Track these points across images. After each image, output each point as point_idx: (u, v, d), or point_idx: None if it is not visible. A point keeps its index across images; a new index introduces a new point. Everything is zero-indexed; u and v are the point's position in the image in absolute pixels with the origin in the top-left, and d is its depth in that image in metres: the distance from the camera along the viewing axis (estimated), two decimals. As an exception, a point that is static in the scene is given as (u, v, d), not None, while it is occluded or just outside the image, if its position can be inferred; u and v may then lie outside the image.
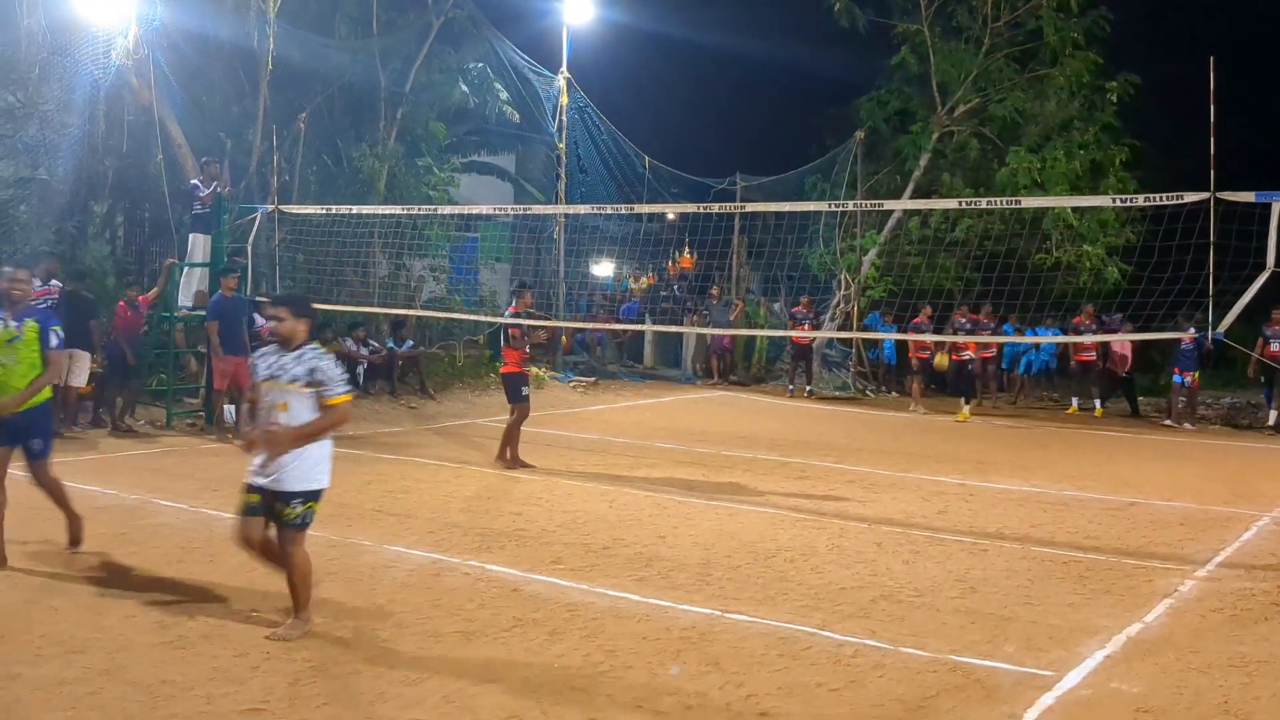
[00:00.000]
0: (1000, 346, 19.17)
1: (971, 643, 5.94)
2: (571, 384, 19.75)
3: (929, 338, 17.51)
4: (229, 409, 12.97)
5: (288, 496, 5.66)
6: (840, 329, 20.54)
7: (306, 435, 5.67)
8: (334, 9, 18.20)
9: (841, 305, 21.00)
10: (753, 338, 22.38)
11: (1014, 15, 20.03)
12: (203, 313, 13.30)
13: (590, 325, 23.10)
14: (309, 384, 5.69)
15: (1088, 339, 17.80)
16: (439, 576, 6.98)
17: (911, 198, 20.17)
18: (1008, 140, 20.35)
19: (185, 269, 14.03)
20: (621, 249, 26.54)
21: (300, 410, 5.68)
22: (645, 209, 19.83)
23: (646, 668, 5.41)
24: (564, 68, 21.43)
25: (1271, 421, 16.28)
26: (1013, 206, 17.07)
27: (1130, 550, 8.36)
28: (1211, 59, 8.90)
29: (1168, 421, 16.88)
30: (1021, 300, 15.34)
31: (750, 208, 21.23)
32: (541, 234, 22.05)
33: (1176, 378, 16.87)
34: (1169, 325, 13.13)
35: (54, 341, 7.03)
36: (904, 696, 5.12)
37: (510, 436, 11.43)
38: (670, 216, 24.73)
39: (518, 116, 21.21)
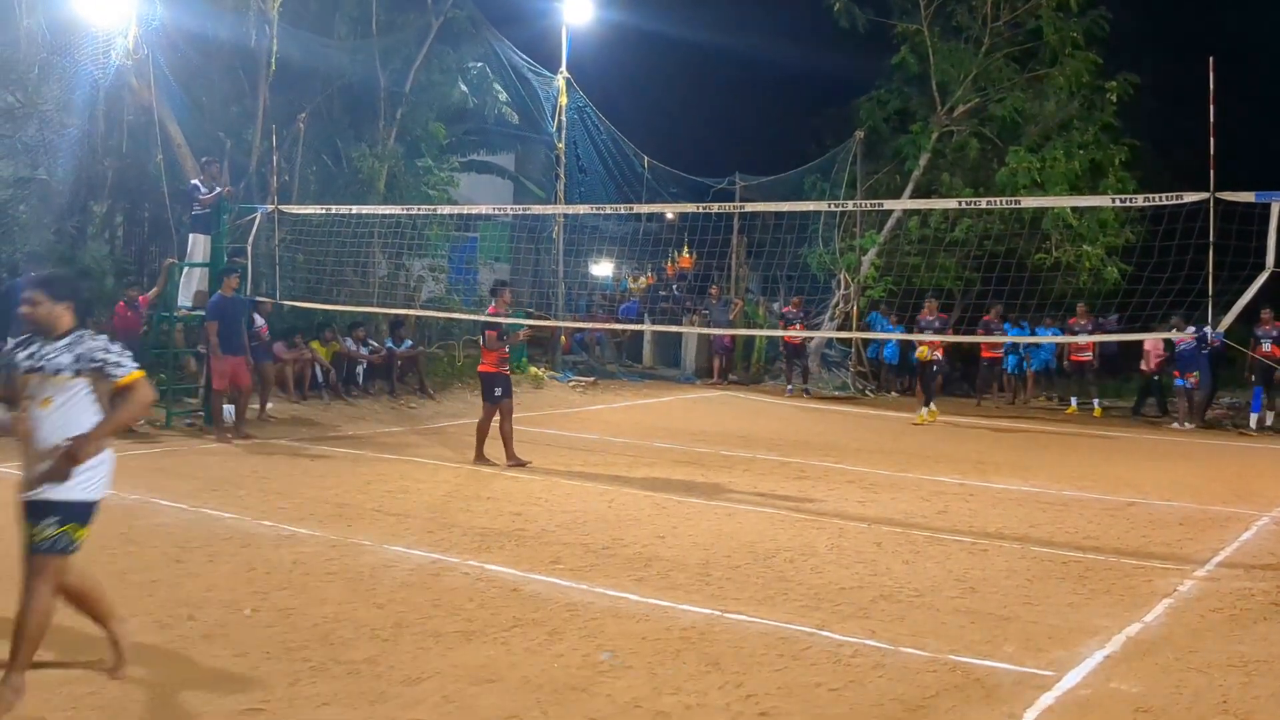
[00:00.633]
0: (1003, 347, 19.19)
1: (971, 643, 5.94)
2: (570, 384, 19.76)
3: (928, 338, 17.44)
4: (228, 409, 12.97)
5: (41, 510, 4.67)
6: (840, 329, 20.55)
7: (106, 432, 4.74)
8: (333, 9, 18.20)
9: (841, 305, 21.02)
10: (752, 337, 22.39)
11: (1013, 15, 20.06)
12: (202, 313, 13.31)
13: (589, 325, 23.10)
14: (81, 372, 4.72)
15: (1083, 339, 17.80)
16: (439, 576, 6.98)
17: (911, 197, 20.19)
18: (1007, 140, 20.37)
19: (185, 269, 14.03)
20: (621, 249, 26.58)
21: (70, 405, 4.72)
22: (644, 209, 19.84)
23: (646, 668, 5.41)
24: (563, 68, 21.44)
25: (1254, 424, 16.24)
26: (1012, 206, 17.08)
27: (1130, 550, 8.36)
28: (1211, 58, 8.90)
29: (1175, 425, 16.81)
30: (1021, 300, 15.35)
31: (749, 207, 21.22)
32: (541, 234, 22.06)
33: (1179, 380, 16.82)
34: (1167, 326, 13.17)
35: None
36: (903, 696, 5.12)
37: (480, 433, 11.53)
38: (669, 216, 24.73)
39: (517, 117, 21.21)
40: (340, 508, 9.01)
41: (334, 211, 15.16)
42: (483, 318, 11.66)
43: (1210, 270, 9.02)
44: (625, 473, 11.34)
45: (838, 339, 21.31)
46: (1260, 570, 7.79)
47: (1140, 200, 11.15)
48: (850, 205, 18.35)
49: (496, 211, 19.75)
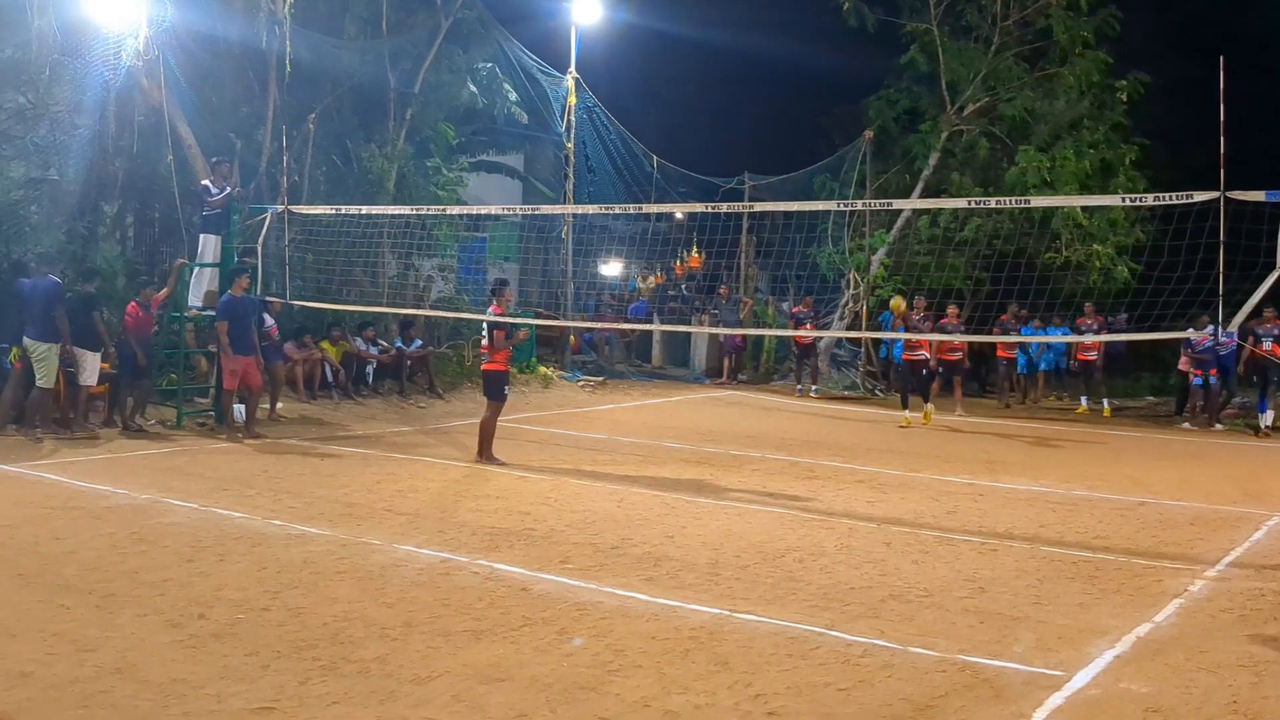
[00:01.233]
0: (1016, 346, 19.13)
1: (980, 643, 5.93)
2: (579, 383, 19.77)
3: (940, 337, 17.32)
4: (239, 408, 13.02)
5: None
6: (849, 328, 20.53)
7: None
8: (343, 10, 18.25)
9: (850, 304, 21.00)
10: (761, 337, 22.38)
11: (1023, 14, 20.03)
12: (213, 313, 13.36)
13: (598, 325, 23.11)
14: None
15: (1089, 339, 17.74)
16: (448, 575, 7.00)
17: (920, 197, 20.15)
18: (1017, 139, 20.32)
19: (195, 269, 14.08)
20: (629, 248, 26.56)
21: None
22: (653, 208, 19.85)
23: (655, 667, 5.41)
24: (572, 68, 21.47)
25: (1267, 422, 16.14)
26: (1022, 206, 17.00)
27: (1140, 550, 8.34)
28: (1222, 57, 8.87)
29: (1186, 425, 16.73)
30: (1031, 300, 15.29)
31: (758, 207, 21.22)
32: (549, 233, 22.09)
33: (1196, 380, 16.73)
34: (1178, 325, 13.10)
35: None
36: (912, 696, 5.12)
37: (485, 430, 11.53)
38: (678, 216, 24.72)
39: (526, 117, 21.25)
40: (350, 507, 9.04)
41: (344, 212, 15.20)
42: (489, 318, 11.66)
43: (1221, 270, 8.98)
44: (634, 472, 11.35)
45: (847, 338, 21.29)
46: (1271, 570, 7.77)
47: (1150, 199, 11.11)
48: (859, 205, 18.33)
49: (505, 211, 19.80)
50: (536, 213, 20.05)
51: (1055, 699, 5.12)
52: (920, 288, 18.86)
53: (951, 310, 17.59)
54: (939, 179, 21.00)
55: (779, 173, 23.45)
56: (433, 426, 14.64)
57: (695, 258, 24.95)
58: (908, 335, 15.93)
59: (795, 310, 20.52)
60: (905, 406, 16.33)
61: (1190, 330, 13.13)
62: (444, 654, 5.52)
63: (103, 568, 6.93)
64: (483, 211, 18.66)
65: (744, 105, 35.60)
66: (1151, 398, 19.85)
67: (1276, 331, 16.06)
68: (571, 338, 21.78)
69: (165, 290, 13.58)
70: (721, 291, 22.95)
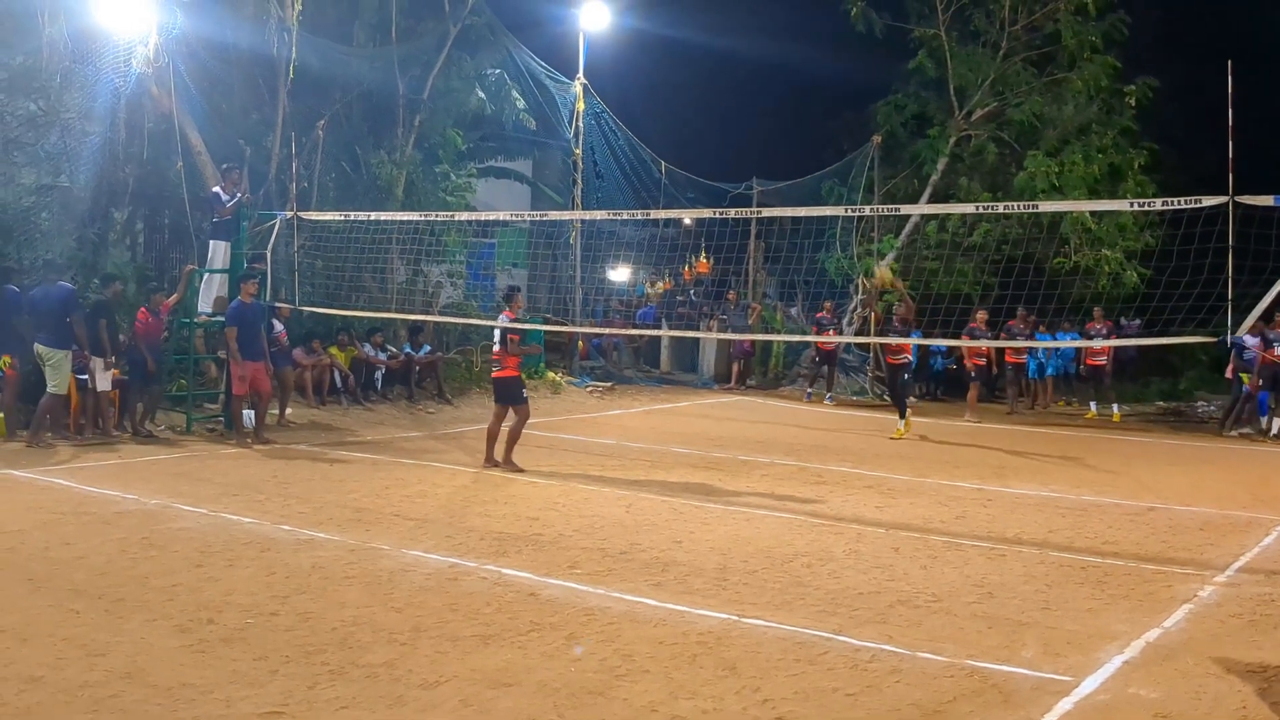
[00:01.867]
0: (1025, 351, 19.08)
1: (989, 648, 5.92)
2: (588, 389, 19.79)
3: (950, 342, 17.32)
4: (248, 414, 13.06)
5: None
6: (857, 334, 20.50)
7: None
8: (353, 17, 18.30)
9: (859, 310, 20.98)
10: (769, 342, 22.37)
11: (1031, 19, 20.03)
12: (222, 319, 13.40)
13: (606, 330, 23.13)
14: None
15: (1099, 344, 17.69)
16: (456, 580, 7.01)
17: (929, 202, 20.14)
18: (1025, 144, 20.32)
19: (205, 275, 14.14)
20: (638, 254, 26.59)
21: None
22: (661, 214, 19.84)
23: (663, 672, 5.41)
24: (580, 74, 21.52)
25: (1276, 429, 16.05)
26: (1030, 211, 17.01)
27: (1149, 555, 8.32)
28: (1230, 62, 8.86)
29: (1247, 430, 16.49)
30: (1040, 305, 15.25)
31: (767, 212, 21.01)
32: (558, 239, 22.11)
33: (1244, 388, 16.55)
34: (1187, 330, 13.02)
35: None
36: (921, 701, 5.11)
37: (514, 437, 11.49)
38: (686, 221, 24.73)
39: (534, 123, 21.30)
40: (359, 512, 9.06)
41: (353, 218, 15.24)
42: (502, 324, 11.66)
43: (1230, 274, 8.97)
44: (642, 477, 11.36)
45: (855, 344, 21.27)
46: (1281, 576, 7.75)
47: (1159, 204, 11.09)
48: (868, 210, 18.36)
49: (514, 217, 19.80)
50: (545, 218, 20.03)
51: (1064, 704, 5.11)
52: (929, 293, 18.84)
53: (980, 315, 17.32)
54: (947, 184, 20.99)
55: (787, 178, 23.45)
56: (441, 432, 14.67)
57: (703, 263, 24.94)
58: (923, 340, 15.83)
59: (819, 315, 20.39)
60: (901, 416, 15.88)
61: (1233, 337, 13.00)
62: (452, 659, 5.53)
63: (112, 573, 6.96)
64: (491, 217, 18.70)
65: (752, 111, 35.67)
66: (1160, 403, 19.78)
67: None
68: (580, 343, 21.79)
69: (175, 296, 13.65)
70: (730, 297, 22.95)
